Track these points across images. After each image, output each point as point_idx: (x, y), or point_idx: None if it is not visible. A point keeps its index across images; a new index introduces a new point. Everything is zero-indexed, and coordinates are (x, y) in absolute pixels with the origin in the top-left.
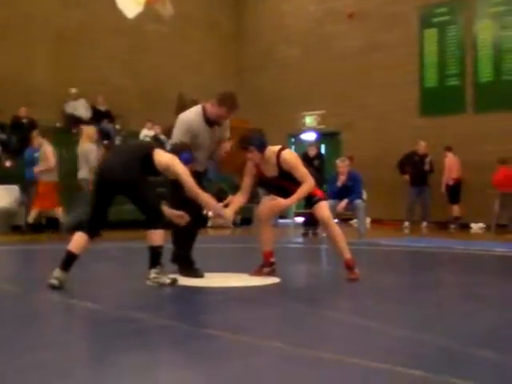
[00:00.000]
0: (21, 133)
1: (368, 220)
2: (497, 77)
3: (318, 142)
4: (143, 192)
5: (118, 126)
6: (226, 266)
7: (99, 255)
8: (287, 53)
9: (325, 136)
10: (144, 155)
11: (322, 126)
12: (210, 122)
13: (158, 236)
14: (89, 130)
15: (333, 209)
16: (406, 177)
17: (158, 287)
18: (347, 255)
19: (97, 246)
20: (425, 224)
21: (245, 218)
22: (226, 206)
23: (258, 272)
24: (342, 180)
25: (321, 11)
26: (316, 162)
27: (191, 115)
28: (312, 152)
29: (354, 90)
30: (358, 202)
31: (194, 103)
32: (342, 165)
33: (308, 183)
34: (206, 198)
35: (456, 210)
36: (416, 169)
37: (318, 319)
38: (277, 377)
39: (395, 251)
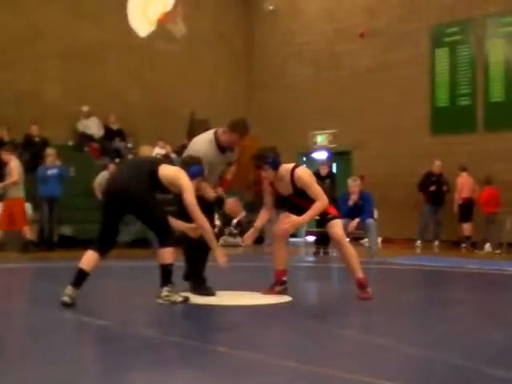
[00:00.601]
0: (33, 151)
1: (379, 239)
2: (508, 96)
3: (329, 161)
4: (151, 208)
5: (129, 145)
6: (237, 284)
7: (110, 272)
8: (298, 71)
9: (336, 155)
10: (150, 171)
11: (334, 145)
12: (222, 148)
13: (168, 254)
14: None
15: (344, 228)
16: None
17: (170, 305)
18: (360, 274)
19: (108, 263)
20: (437, 243)
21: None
22: (240, 223)
23: (270, 291)
24: (353, 199)
25: (332, 30)
26: (327, 181)
27: (204, 145)
28: (324, 171)
29: (365, 108)
30: (370, 221)
31: (205, 123)
32: (354, 184)
33: (322, 201)
34: (203, 222)
35: (467, 229)
36: (433, 188)
37: (330, 337)
38: None
39: (407, 270)
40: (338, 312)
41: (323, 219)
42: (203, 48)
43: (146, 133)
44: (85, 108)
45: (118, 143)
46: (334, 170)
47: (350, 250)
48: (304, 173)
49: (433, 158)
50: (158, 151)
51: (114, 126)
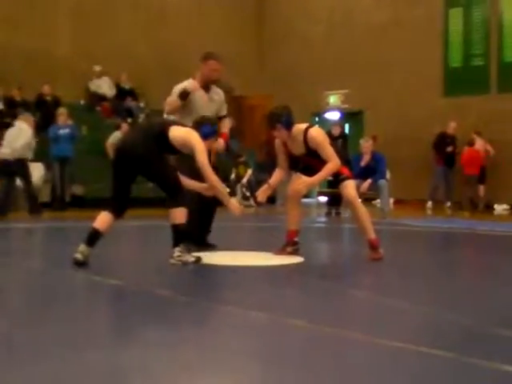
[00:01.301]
0: (45, 110)
1: (391, 200)
2: None
3: (342, 121)
4: (160, 169)
5: (141, 104)
6: (249, 244)
7: (122, 233)
8: (309, 29)
9: (348, 115)
10: (159, 132)
11: (346, 106)
12: (206, 85)
13: (179, 214)
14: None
15: (356, 188)
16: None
17: (182, 266)
18: (371, 235)
19: (120, 224)
20: (448, 204)
21: (268, 197)
22: (249, 182)
23: (282, 251)
24: (365, 160)
25: None
26: (340, 142)
27: (184, 83)
28: (336, 131)
29: (378, 67)
30: (382, 181)
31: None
32: (366, 145)
33: (334, 162)
34: (216, 182)
35: (481, 190)
36: (450, 149)
37: (342, 298)
38: (301, 355)
39: (419, 231)
40: (349, 273)
41: (336, 180)
42: (214, 5)
43: (157, 91)
44: (97, 68)
45: (129, 103)
46: (347, 130)
47: (363, 210)
48: (317, 133)
49: (445, 119)
50: None
51: (126, 86)
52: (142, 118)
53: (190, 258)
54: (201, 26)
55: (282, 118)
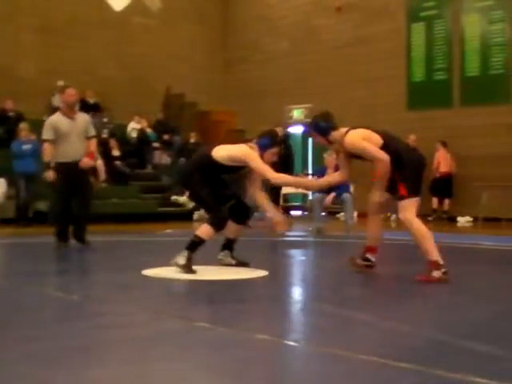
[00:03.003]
0: (8, 126)
1: (355, 213)
2: (484, 71)
3: (306, 135)
4: (197, 191)
5: (105, 119)
6: (211, 259)
7: (88, 248)
8: (275, 45)
9: None
10: (203, 156)
11: (310, 120)
12: (70, 111)
13: (205, 229)
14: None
15: (320, 202)
16: None
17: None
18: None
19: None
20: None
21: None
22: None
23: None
24: (329, 174)
25: (309, 4)
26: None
27: (52, 116)
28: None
29: (342, 83)
30: (346, 195)
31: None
32: (330, 159)
33: (380, 161)
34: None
35: (440, 203)
36: None
37: (306, 311)
38: (263, 368)
39: (383, 244)
40: (312, 285)
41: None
42: (180, 22)
43: (123, 108)
44: (60, 83)
45: (92, 117)
46: (310, 144)
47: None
48: (352, 138)
49: (409, 133)
50: (133, 126)
51: (91, 100)
52: (105, 133)
53: (181, 261)
54: (167, 41)
55: (313, 125)
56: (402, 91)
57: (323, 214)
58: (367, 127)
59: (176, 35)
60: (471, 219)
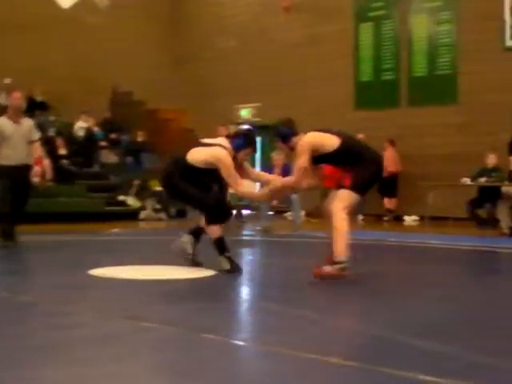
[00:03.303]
0: None
1: (302, 212)
2: (431, 71)
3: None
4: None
5: (52, 118)
6: (159, 258)
7: (34, 247)
8: (225, 44)
9: (261, 129)
10: (177, 160)
11: (258, 119)
12: (16, 115)
13: (213, 230)
14: None
15: (268, 201)
16: None
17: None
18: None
19: (32, 238)
20: (361, 217)
21: (179, 210)
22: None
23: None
24: (277, 173)
25: (258, 4)
26: None
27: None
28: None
29: (291, 82)
30: (293, 195)
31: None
32: (278, 158)
33: (297, 170)
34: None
35: (391, 203)
36: None
37: (254, 310)
38: (211, 368)
39: (330, 243)
40: (261, 285)
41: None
42: (128, 20)
43: (70, 106)
44: (6, 80)
45: (39, 116)
46: (259, 143)
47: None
48: (299, 146)
49: (358, 133)
50: (81, 125)
51: (39, 98)
52: (51, 131)
53: (227, 266)
54: (115, 39)
55: (277, 131)
56: (351, 91)
57: (270, 213)
58: (326, 130)
59: (124, 33)
60: (418, 218)
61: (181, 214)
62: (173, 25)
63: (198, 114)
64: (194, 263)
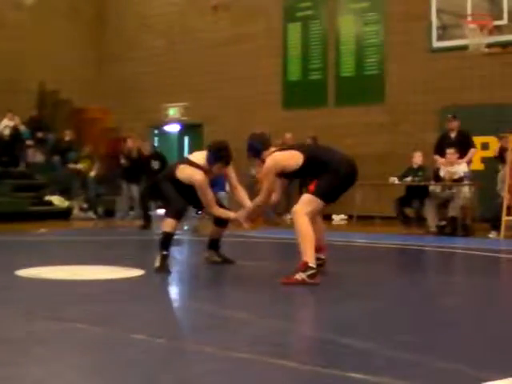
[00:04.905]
0: None
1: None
2: (358, 72)
3: (181, 134)
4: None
5: None
6: (88, 258)
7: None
8: (151, 43)
9: (188, 128)
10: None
11: (186, 118)
12: None
13: (166, 223)
14: None
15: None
16: None
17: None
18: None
19: None
20: (289, 216)
21: (107, 210)
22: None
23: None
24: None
25: (185, 2)
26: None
27: None
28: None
29: (219, 82)
30: (221, 193)
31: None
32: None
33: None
34: (217, 211)
35: None
36: None
37: (184, 311)
38: (139, 368)
39: (260, 242)
40: (191, 285)
41: None
42: (53, 18)
43: None
44: None
45: None
46: (186, 142)
47: None
48: (266, 165)
49: (285, 132)
50: (6, 123)
51: None
52: None
53: (157, 263)
54: (40, 37)
55: (249, 145)
56: (278, 90)
57: (199, 212)
58: (290, 147)
59: (49, 31)
60: (346, 217)
61: (109, 214)
62: (99, 23)
63: (124, 113)
64: (229, 261)
